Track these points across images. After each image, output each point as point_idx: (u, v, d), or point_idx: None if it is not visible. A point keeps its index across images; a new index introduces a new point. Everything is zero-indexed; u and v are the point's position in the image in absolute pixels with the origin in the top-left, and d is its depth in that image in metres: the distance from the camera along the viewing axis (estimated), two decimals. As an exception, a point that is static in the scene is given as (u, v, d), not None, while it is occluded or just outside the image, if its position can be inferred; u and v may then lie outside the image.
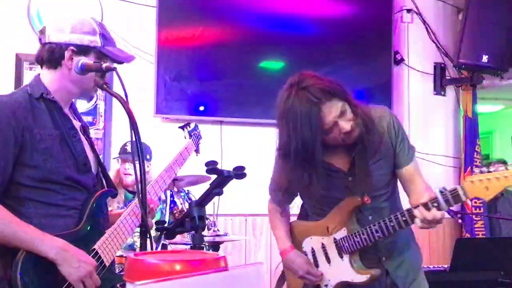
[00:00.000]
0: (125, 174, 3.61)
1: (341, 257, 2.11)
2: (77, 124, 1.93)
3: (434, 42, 4.87)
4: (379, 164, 2.10)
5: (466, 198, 1.84)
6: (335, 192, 2.10)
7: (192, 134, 2.44)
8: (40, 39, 1.89)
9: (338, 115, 1.93)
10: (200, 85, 4.27)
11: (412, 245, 2.22)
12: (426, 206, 1.87)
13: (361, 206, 2.08)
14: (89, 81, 1.87)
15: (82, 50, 1.84)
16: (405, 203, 2.12)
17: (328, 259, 2.15)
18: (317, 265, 2.18)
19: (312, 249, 2.20)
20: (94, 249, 1.81)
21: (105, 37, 1.88)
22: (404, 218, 1.95)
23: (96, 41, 1.85)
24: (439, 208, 1.85)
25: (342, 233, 2.10)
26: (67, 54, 1.83)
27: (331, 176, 2.07)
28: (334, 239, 2.12)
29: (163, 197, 3.54)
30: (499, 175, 1.80)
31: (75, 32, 1.84)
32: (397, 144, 2.10)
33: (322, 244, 2.16)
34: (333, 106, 1.92)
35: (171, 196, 3.68)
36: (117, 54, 1.90)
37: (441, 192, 1.86)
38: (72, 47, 1.83)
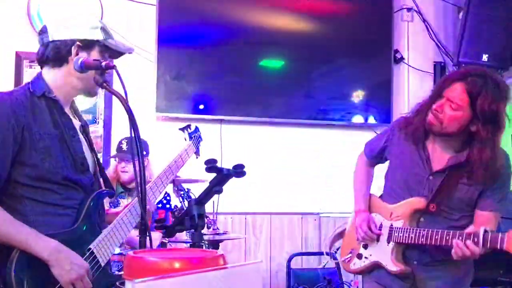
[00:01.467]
0: (122, 172, 3.62)
1: (388, 242, 2.28)
2: (77, 123, 1.93)
3: (434, 41, 4.87)
4: (468, 188, 2.17)
5: (502, 246, 1.91)
6: (413, 179, 2.25)
7: (193, 136, 2.43)
8: (42, 39, 1.89)
9: (450, 97, 2.07)
10: (200, 84, 4.27)
11: (458, 262, 2.21)
12: (463, 236, 1.98)
13: (424, 211, 2.20)
14: (91, 77, 1.88)
15: (87, 44, 1.86)
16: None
17: (378, 238, 2.33)
18: None
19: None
20: (90, 248, 1.81)
21: (106, 31, 1.91)
22: (447, 237, 2.06)
23: (99, 35, 1.88)
24: (477, 243, 1.95)
25: (399, 224, 2.27)
26: (73, 50, 1.85)
27: (416, 164, 2.24)
28: (391, 225, 2.29)
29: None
30: None
31: (79, 28, 1.86)
32: (489, 189, 2.15)
33: (381, 224, 2.34)
34: (458, 90, 2.06)
35: (167, 194, 3.69)
36: (118, 46, 1.94)
37: (485, 230, 1.95)
38: (78, 43, 1.85)
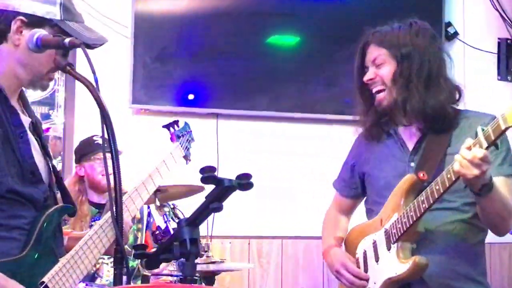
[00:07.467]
0: (103, 175, 3.60)
1: (389, 249, 2.28)
2: (26, 119, 1.93)
3: (498, 11, 4.86)
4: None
5: (506, 125, 1.97)
6: (395, 172, 2.35)
7: (181, 135, 2.44)
8: None
9: (369, 60, 2.38)
10: (190, 67, 4.29)
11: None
12: (468, 148, 2.03)
13: (417, 186, 2.24)
14: (45, 62, 1.87)
15: (34, 22, 1.84)
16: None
17: (377, 257, 2.34)
18: (366, 269, 2.37)
19: (364, 252, 2.40)
20: (43, 282, 1.81)
21: (68, 10, 1.89)
22: (448, 175, 2.10)
23: (54, 12, 1.86)
24: (481, 146, 2.01)
25: (392, 220, 2.27)
26: (14, 25, 1.84)
27: (392, 157, 2.39)
28: (385, 229, 2.30)
29: (138, 215, 3.54)
30: None
31: None
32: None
33: (374, 241, 2.35)
34: (372, 48, 2.38)
35: (148, 213, 3.70)
36: (81, 33, 1.88)
37: (482, 129, 2.03)
38: (21, 17, 1.84)
